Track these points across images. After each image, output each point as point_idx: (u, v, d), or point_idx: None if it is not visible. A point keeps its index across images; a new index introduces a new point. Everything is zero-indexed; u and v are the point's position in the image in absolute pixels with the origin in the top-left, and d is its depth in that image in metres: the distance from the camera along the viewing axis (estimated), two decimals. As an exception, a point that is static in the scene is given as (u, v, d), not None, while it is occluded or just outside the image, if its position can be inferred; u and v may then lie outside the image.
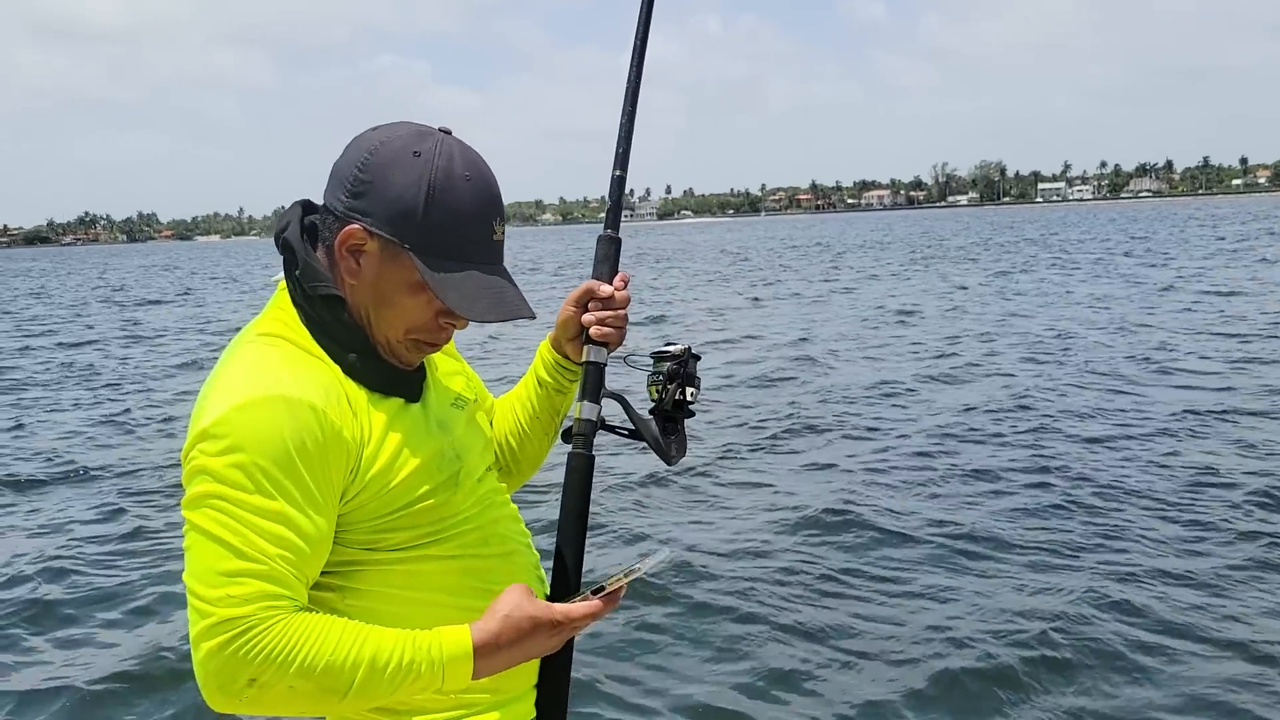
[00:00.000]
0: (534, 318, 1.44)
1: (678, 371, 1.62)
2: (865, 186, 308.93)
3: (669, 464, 1.63)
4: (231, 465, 1.24)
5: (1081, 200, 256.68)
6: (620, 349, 1.64)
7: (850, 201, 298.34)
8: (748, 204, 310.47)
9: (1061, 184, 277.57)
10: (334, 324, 1.39)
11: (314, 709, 1.30)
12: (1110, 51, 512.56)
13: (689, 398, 1.62)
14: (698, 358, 1.66)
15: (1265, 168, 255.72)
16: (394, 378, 1.43)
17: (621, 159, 1.62)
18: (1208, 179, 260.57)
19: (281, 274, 1.43)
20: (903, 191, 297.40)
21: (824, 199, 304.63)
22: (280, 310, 1.41)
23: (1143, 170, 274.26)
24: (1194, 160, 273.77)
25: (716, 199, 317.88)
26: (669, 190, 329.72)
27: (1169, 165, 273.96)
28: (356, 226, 1.36)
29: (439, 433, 1.46)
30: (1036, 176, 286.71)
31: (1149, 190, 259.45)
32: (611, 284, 1.61)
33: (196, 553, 1.25)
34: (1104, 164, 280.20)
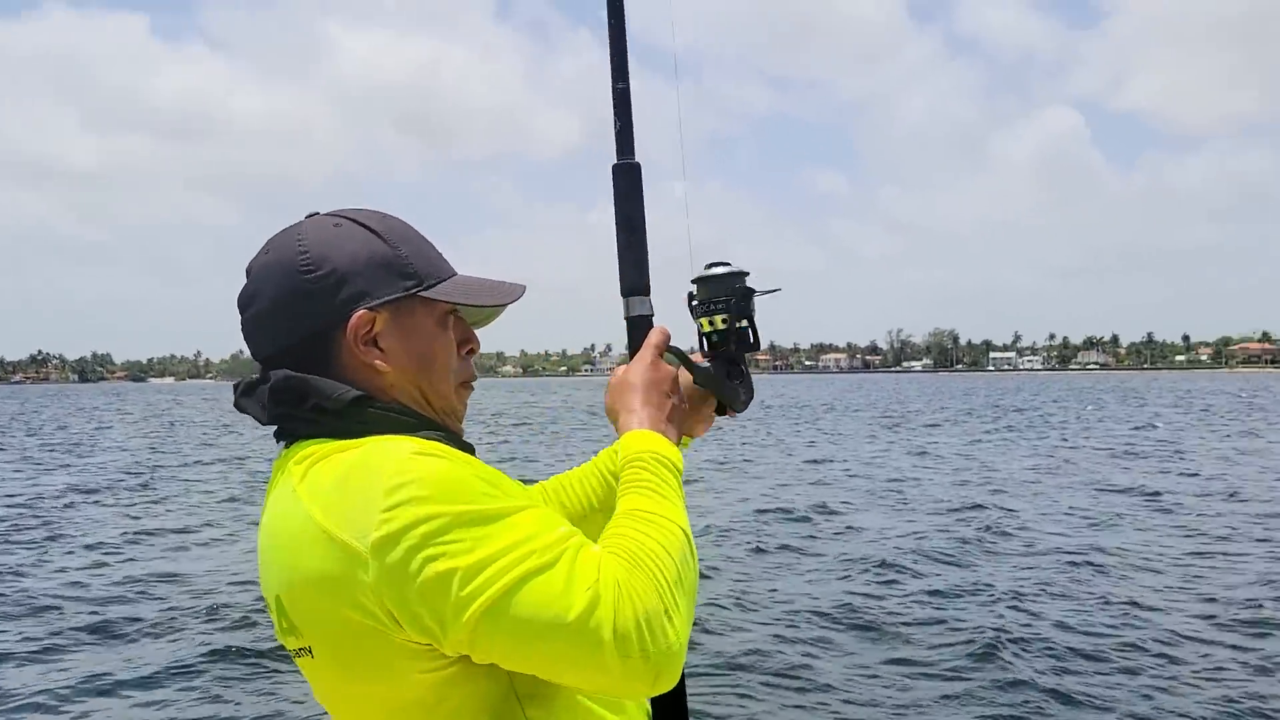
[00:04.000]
0: (524, 288, 1.37)
1: (734, 298, 1.42)
2: (822, 349, 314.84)
3: (738, 411, 1.47)
4: (441, 510, 1.06)
5: (1032, 370, 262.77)
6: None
7: (808, 363, 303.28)
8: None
9: (1012, 354, 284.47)
10: (386, 417, 1.22)
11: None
12: (1062, 230, 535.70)
13: (752, 325, 1.44)
14: (747, 273, 1.45)
15: (1206, 345, 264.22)
16: (470, 449, 1.26)
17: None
18: (1151, 354, 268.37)
19: (283, 443, 1.25)
20: (858, 355, 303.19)
21: (782, 359, 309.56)
22: (316, 456, 1.17)
23: (1090, 343, 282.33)
24: (1139, 335, 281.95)
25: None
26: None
27: (1115, 339, 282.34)
28: (358, 313, 1.22)
29: None
30: (988, 345, 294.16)
31: (1095, 363, 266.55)
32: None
33: (531, 596, 1.04)
34: (1053, 336, 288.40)
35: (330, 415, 1.20)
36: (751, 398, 1.47)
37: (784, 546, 11.09)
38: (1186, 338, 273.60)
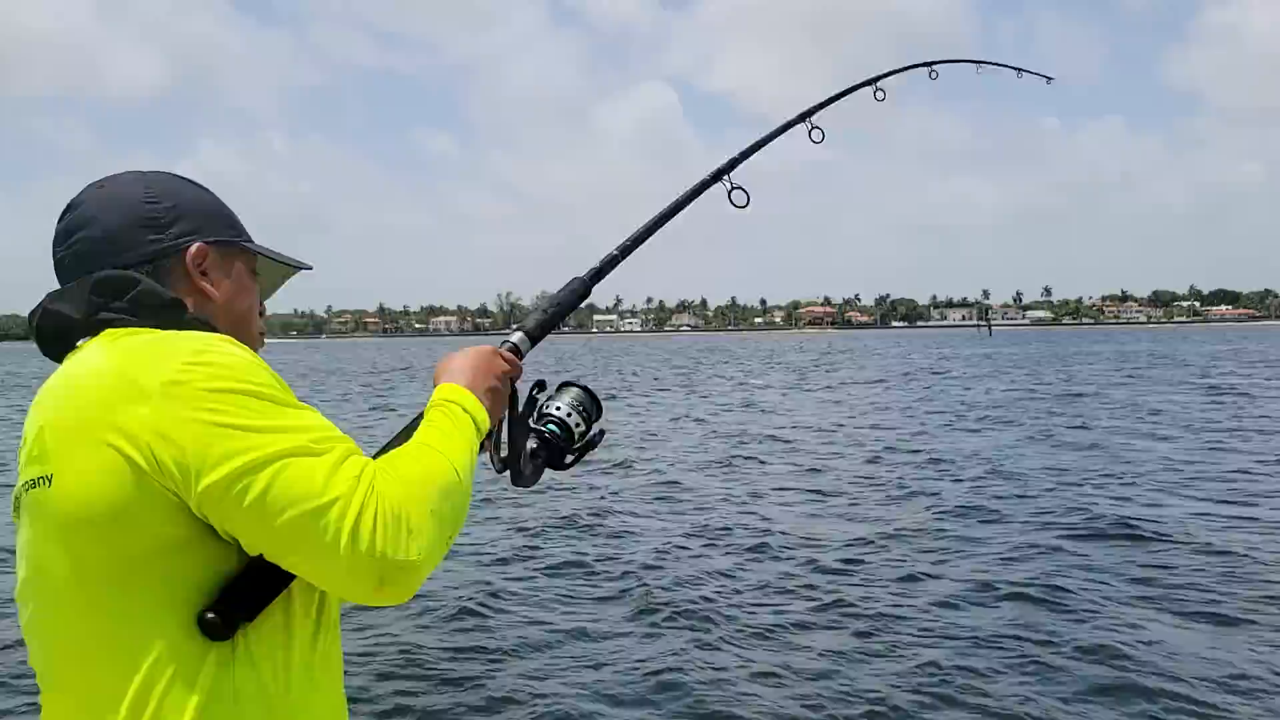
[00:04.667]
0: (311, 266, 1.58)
1: (588, 438, 1.62)
2: (433, 311, 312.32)
3: (515, 483, 1.56)
4: (242, 377, 1.17)
5: (633, 331, 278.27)
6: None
7: (418, 326, 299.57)
8: (313, 325, 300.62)
9: (615, 316, 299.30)
10: (198, 323, 1.31)
11: (457, 520, 1.25)
12: (659, 196, 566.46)
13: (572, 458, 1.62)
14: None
15: (780, 308, 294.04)
16: None
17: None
18: (735, 316, 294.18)
19: (84, 338, 1.28)
20: (469, 318, 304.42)
21: (391, 322, 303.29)
22: (132, 333, 1.25)
23: (683, 306, 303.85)
24: (724, 299, 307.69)
25: (279, 320, 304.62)
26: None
27: (704, 303, 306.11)
28: (198, 245, 1.37)
29: None
30: (592, 309, 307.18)
31: (688, 324, 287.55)
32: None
33: (290, 471, 1.11)
34: (650, 299, 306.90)
35: (147, 310, 1.26)
36: (529, 486, 1.57)
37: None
38: (764, 301, 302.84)
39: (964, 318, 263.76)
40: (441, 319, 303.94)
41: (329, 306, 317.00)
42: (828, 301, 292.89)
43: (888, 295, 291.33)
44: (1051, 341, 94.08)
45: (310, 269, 1.58)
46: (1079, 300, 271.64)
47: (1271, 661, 5.47)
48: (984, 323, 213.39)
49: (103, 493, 1.12)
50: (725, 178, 1.98)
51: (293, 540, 1.11)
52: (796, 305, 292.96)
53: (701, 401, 25.87)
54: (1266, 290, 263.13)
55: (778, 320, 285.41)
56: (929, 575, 7.48)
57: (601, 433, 1.63)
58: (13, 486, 1.26)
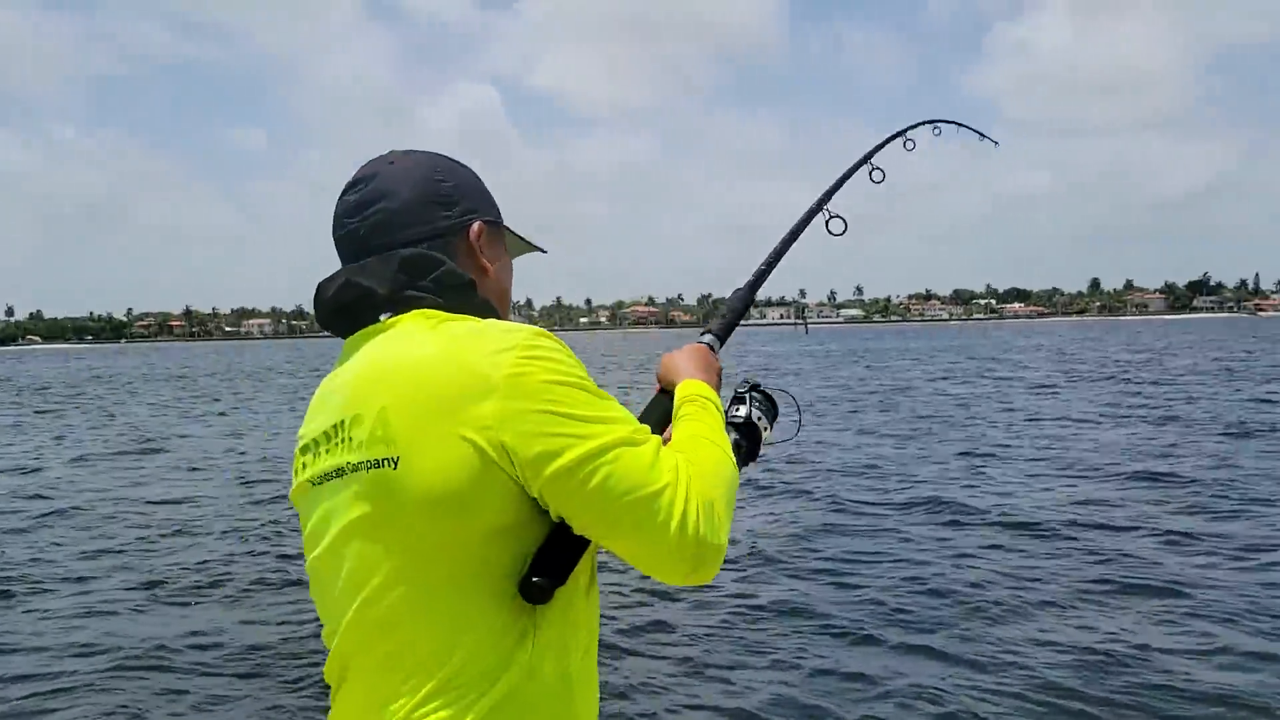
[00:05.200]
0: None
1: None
2: (245, 314, 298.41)
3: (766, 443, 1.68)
4: (570, 372, 1.26)
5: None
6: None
7: (229, 329, 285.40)
8: (110, 330, 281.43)
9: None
10: (487, 305, 1.41)
11: (733, 506, 1.34)
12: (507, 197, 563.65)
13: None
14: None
15: (605, 308, 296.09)
16: None
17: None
18: (560, 316, 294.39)
19: (386, 314, 1.37)
20: (284, 320, 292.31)
21: (199, 326, 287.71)
22: (449, 317, 1.35)
23: (512, 306, 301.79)
24: (549, 299, 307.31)
25: (73, 323, 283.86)
26: (10, 312, 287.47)
27: (529, 303, 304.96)
28: (479, 223, 1.46)
29: None
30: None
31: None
32: None
33: (624, 461, 1.21)
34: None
35: (448, 290, 1.37)
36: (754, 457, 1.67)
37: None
38: (589, 301, 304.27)
39: (782, 316, 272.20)
40: (254, 322, 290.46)
41: (129, 309, 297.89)
42: (652, 301, 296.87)
43: (710, 294, 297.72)
44: (863, 338, 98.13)
45: (545, 252, 1.66)
46: (888, 299, 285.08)
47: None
48: (800, 321, 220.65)
49: (452, 480, 1.20)
50: (825, 208, 2.11)
51: (626, 523, 1.21)
52: (621, 305, 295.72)
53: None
54: (1054, 288, 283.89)
55: (603, 320, 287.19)
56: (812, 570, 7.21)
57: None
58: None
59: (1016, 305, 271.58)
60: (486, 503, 1.21)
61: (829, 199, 2.12)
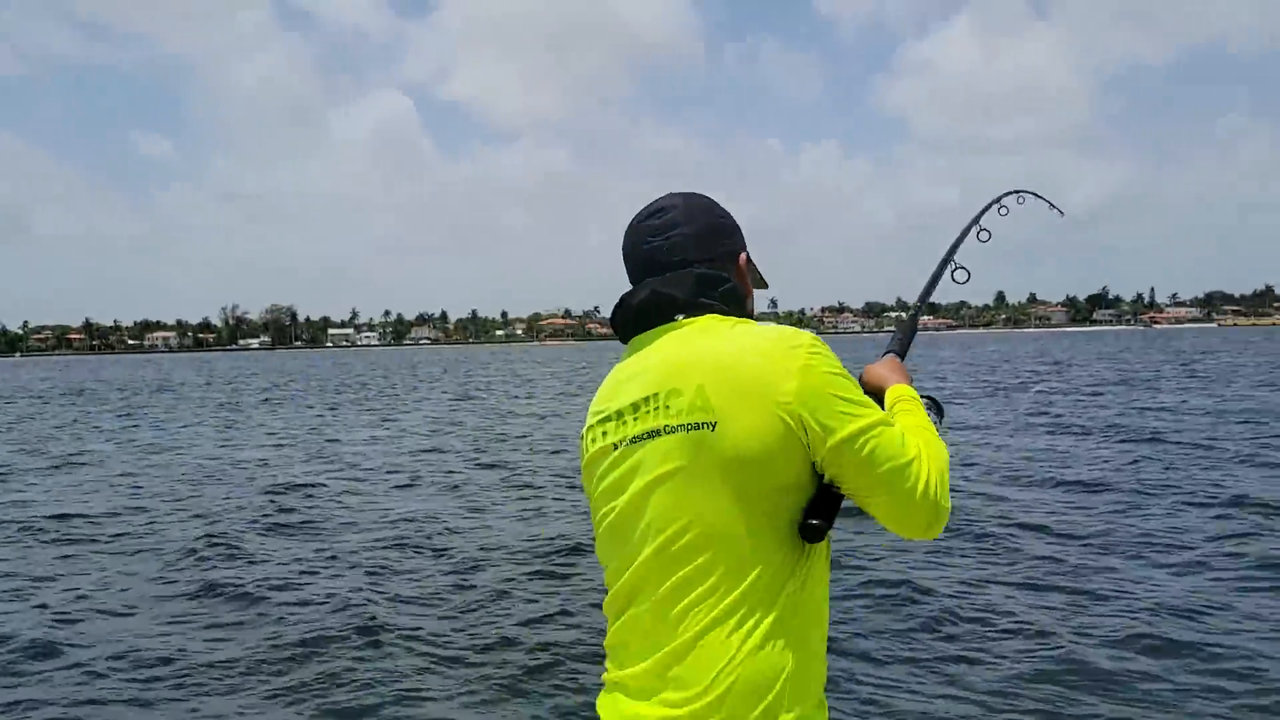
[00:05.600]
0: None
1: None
2: (149, 326, 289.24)
3: None
4: (840, 367, 1.61)
5: (369, 345, 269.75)
6: None
7: (132, 342, 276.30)
8: (4, 343, 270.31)
9: (350, 330, 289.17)
10: (751, 318, 1.79)
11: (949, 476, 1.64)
12: (397, 208, 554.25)
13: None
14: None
15: (521, 320, 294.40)
16: None
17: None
18: (476, 329, 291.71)
19: (682, 315, 1.71)
20: (190, 333, 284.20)
21: (101, 339, 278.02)
22: (737, 321, 1.70)
23: (422, 319, 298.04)
24: (465, 312, 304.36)
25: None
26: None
27: (444, 316, 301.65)
28: (744, 254, 1.85)
29: None
30: (327, 322, 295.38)
31: (428, 338, 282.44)
32: None
33: (884, 437, 1.56)
34: (388, 312, 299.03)
35: (730, 301, 1.73)
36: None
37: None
38: (505, 314, 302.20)
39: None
40: (159, 335, 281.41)
41: (25, 322, 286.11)
42: (569, 314, 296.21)
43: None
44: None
45: (766, 287, 1.97)
46: (802, 311, 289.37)
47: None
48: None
49: (759, 442, 1.53)
50: (951, 261, 2.44)
51: (884, 485, 1.55)
52: (538, 317, 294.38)
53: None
54: (961, 302, 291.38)
55: (519, 333, 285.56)
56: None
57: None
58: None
59: (927, 318, 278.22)
60: (783, 462, 1.55)
61: (953, 254, 2.47)
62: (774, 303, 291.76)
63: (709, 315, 1.70)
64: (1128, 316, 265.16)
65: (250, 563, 8.69)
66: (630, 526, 1.63)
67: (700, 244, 1.77)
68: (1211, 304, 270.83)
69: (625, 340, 1.80)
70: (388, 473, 14.52)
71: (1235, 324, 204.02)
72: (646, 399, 1.63)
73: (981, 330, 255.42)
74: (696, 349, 1.63)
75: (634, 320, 1.76)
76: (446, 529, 9.97)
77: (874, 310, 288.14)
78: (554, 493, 12.19)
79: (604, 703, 1.68)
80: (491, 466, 14.84)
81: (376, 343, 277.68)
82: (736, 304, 1.74)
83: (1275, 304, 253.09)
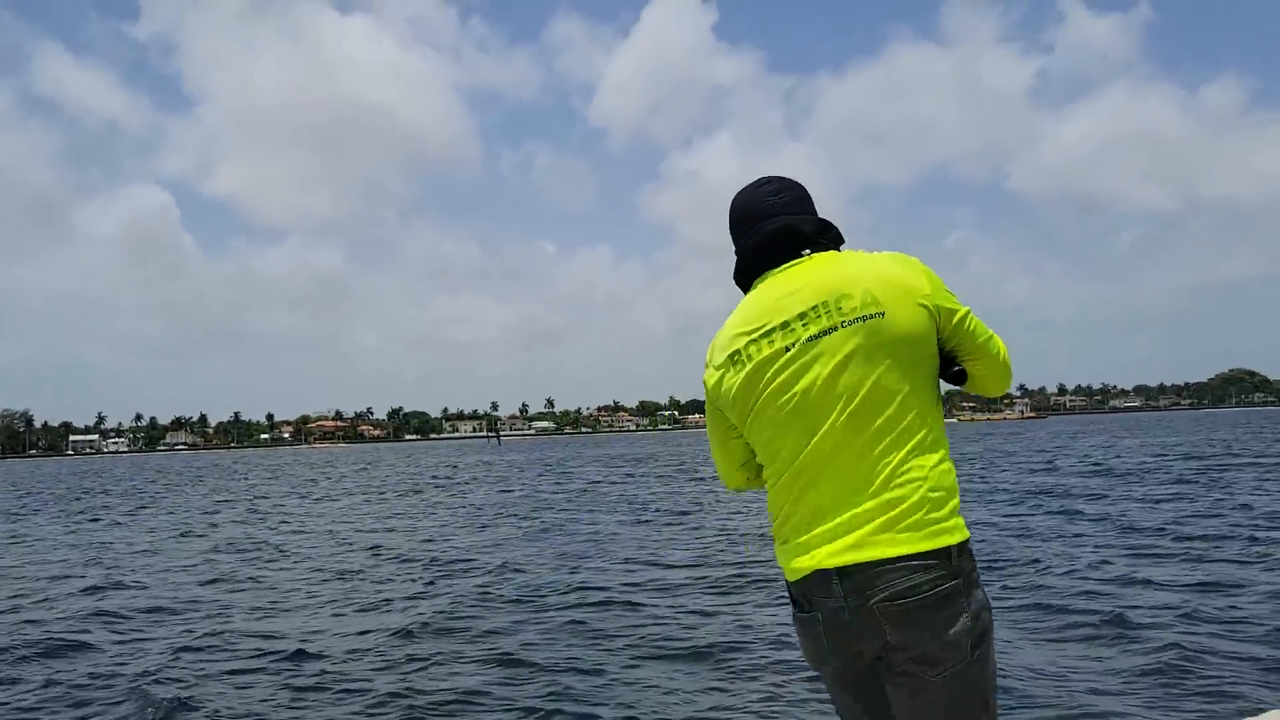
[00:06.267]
0: None
1: None
2: None
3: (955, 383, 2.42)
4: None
5: (118, 451, 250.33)
6: None
7: None
8: None
9: (95, 435, 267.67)
10: None
11: None
12: (151, 309, 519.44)
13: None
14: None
15: (289, 423, 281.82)
16: None
17: None
18: (239, 432, 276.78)
19: (808, 250, 2.29)
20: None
21: None
22: (855, 252, 2.28)
23: (179, 423, 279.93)
24: (227, 415, 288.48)
25: None
26: None
27: (204, 419, 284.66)
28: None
29: None
30: (68, 427, 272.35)
31: (185, 443, 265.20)
32: None
33: (974, 318, 2.24)
34: (140, 416, 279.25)
35: (837, 242, 2.32)
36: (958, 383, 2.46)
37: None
38: (270, 416, 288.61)
39: (475, 429, 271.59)
40: None
41: None
42: (339, 415, 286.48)
43: (400, 408, 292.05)
44: (552, 448, 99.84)
45: None
46: (579, 410, 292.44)
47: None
48: (493, 434, 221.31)
49: (915, 324, 2.12)
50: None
51: (983, 351, 2.23)
52: (306, 420, 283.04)
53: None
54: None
55: (286, 436, 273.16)
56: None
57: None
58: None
59: (698, 415, 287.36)
60: (928, 337, 2.13)
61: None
62: (550, 402, 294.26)
63: (829, 251, 2.24)
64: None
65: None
66: (820, 403, 2.10)
67: (802, 205, 2.31)
68: (950, 400, 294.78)
69: (747, 282, 2.32)
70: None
71: (973, 419, 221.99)
72: (814, 307, 2.12)
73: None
74: (846, 267, 2.16)
75: (765, 245, 2.26)
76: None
77: (647, 409, 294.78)
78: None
79: (808, 554, 2.11)
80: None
81: (126, 448, 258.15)
82: (838, 244, 2.29)
83: (1006, 400, 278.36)
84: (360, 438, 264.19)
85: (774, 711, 6.02)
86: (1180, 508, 17.39)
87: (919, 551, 2.00)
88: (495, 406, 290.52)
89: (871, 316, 2.09)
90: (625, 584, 11.25)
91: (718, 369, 2.25)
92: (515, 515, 21.60)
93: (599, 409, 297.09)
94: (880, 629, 2.02)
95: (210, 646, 8.73)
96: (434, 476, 45.06)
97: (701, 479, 31.43)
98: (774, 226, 2.26)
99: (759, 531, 15.14)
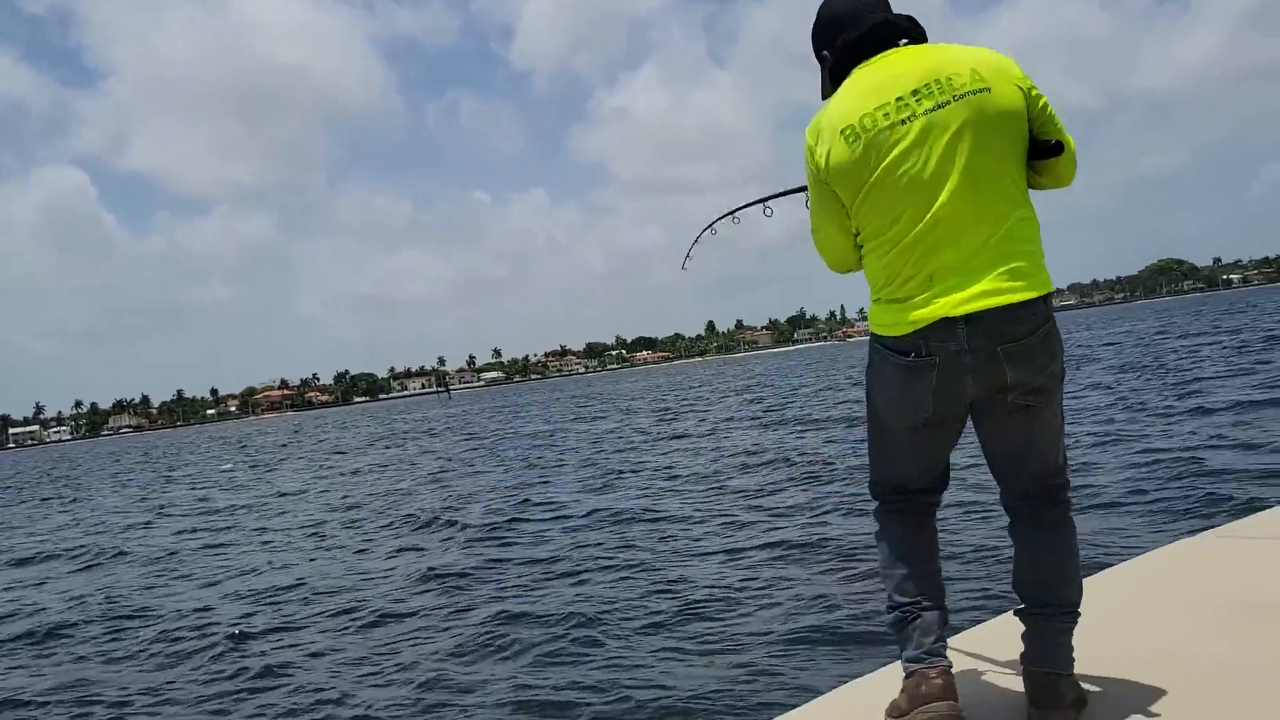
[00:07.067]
0: None
1: None
2: None
3: None
4: None
5: (61, 440, 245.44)
6: None
7: None
8: None
9: (36, 426, 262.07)
10: None
11: None
12: (78, 292, 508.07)
13: None
14: None
15: (235, 397, 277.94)
16: None
17: None
18: (184, 410, 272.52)
19: (905, 40, 2.48)
20: None
21: None
22: (946, 44, 2.47)
23: (121, 406, 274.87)
24: (169, 394, 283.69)
25: None
26: None
27: (146, 400, 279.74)
28: None
29: None
30: (6, 420, 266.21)
31: (129, 425, 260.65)
32: None
33: (1052, 107, 2.43)
34: (80, 403, 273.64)
35: (924, 37, 2.49)
36: None
37: None
38: (215, 391, 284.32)
39: (424, 385, 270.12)
40: None
41: None
42: (285, 384, 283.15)
43: (347, 371, 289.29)
44: (505, 396, 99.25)
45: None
46: (526, 358, 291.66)
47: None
48: (443, 388, 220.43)
49: (1014, 102, 2.31)
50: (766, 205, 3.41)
51: (1060, 135, 2.37)
52: (252, 392, 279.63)
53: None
54: (676, 334, 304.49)
55: (233, 409, 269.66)
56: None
57: None
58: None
59: (645, 353, 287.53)
60: (1023, 115, 2.33)
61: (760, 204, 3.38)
62: (497, 351, 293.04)
63: (925, 45, 2.43)
64: (825, 333, 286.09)
65: None
66: (941, 170, 2.27)
67: (887, 6, 2.50)
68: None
69: (847, 63, 2.47)
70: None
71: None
72: (927, 84, 2.29)
73: (697, 359, 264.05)
74: (947, 52, 2.35)
75: (866, 37, 2.43)
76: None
77: (595, 350, 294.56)
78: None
79: (929, 306, 2.30)
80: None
81: (69, 437, 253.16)
82: (925, 38, 2.47)
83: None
84: (309, 405, 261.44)
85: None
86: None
87: (1029, 299, 2.28)
88: (442, 361, 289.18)
89: (979, 91, 2.27)
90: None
91: (828, 146, 2.37)
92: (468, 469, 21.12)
93: (546, 354, 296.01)
94: (999, 368, 2.30)
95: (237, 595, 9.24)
96: (404, 432, 44.78)
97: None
98: (875, 19, 2.43)
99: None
